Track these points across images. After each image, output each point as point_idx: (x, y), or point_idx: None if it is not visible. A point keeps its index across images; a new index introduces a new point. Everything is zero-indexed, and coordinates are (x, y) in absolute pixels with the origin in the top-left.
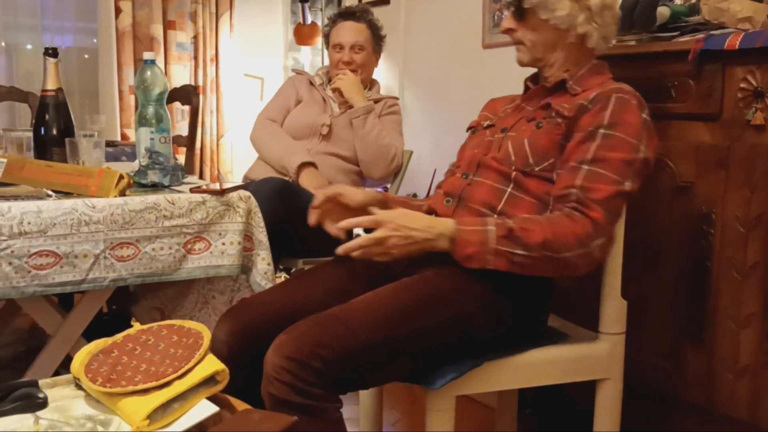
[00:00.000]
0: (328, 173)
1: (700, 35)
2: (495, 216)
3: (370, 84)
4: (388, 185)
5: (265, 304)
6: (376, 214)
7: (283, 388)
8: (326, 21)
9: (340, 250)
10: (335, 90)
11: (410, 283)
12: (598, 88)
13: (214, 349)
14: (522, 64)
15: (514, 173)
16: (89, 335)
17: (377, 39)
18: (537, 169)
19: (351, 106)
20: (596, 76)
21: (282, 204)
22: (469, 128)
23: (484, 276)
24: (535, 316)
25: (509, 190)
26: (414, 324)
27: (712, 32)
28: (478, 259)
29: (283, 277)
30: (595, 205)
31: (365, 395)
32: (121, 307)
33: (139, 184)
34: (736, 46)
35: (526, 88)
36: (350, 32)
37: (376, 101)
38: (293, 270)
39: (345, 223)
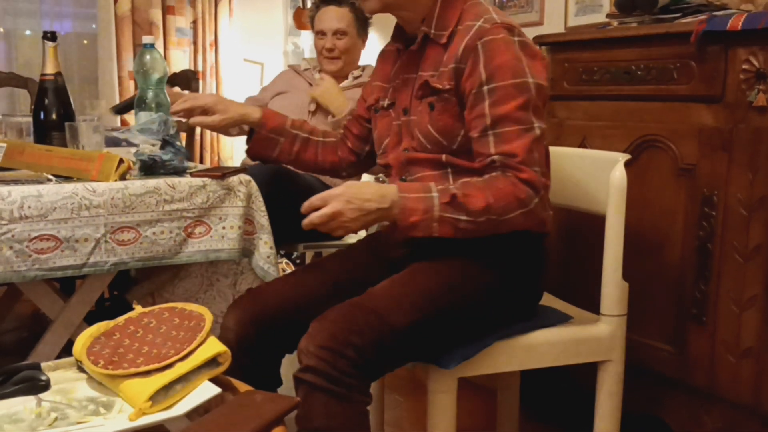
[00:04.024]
0: None
1: (703, 17)
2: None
3: (361, 68)
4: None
5: (274, 294)
6: (325, 191)
7: (318, 377)
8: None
9: (306, 223)
10: (313, 100)
11: (425, 266)
12: (464, 33)
13: (222, 337)
14: (371, 11)
15: (444, 157)
16: (91, 321)
17: (361, 22)
18: (455, 147)
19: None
20: (451, 10)
21: (277, 188)
22: (369, 106)
23: (488, 248)
24: (535, 277)
25: (450, 171)
26: (438, 303)
27: (715, 13)
28: (423, 227)
29: (284, 263)
30: (522, 166)
31: None
32: (123, 292)
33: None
34: (739, 28)
35: (397, 49)
36: (332, 18)
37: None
38: (294, 255)
39: (304, 208)
